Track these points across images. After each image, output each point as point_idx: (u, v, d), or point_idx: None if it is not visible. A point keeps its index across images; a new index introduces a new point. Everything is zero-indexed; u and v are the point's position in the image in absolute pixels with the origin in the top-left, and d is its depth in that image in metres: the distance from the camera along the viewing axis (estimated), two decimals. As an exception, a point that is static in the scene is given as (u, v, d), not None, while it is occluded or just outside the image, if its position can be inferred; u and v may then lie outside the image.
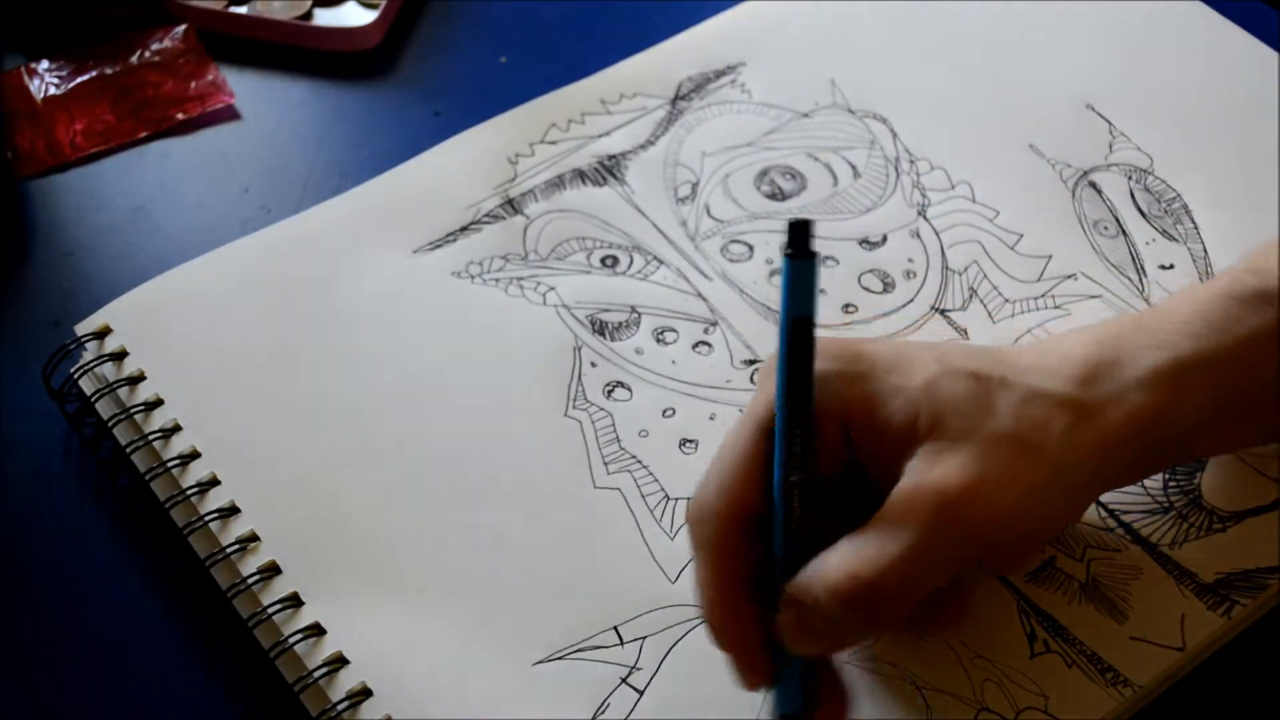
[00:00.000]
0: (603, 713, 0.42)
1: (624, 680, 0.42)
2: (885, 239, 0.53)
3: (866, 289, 0.52)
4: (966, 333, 0.50)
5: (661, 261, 0.52)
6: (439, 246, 0.52)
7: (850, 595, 0.37)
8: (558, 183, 0.54)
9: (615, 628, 0.43)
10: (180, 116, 0.58)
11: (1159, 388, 0.40)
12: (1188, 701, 0.43)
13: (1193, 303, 0.42)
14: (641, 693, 0.42)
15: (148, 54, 0.60)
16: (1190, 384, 0.40)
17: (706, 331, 0.50)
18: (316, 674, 0.42)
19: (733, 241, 0.53)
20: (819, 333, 0.38)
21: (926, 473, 0.38)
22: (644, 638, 0.43)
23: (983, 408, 0.39)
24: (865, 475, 0.40)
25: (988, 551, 0.39)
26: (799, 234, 0.37)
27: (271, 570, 0.44)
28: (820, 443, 0.39)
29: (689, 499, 0.41)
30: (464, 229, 0.53)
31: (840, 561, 0.37)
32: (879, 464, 0.40)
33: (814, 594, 0.37)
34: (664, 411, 0.48)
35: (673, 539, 0.45)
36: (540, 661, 0.43)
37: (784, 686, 0.40)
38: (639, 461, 0.47)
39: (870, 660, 0.42)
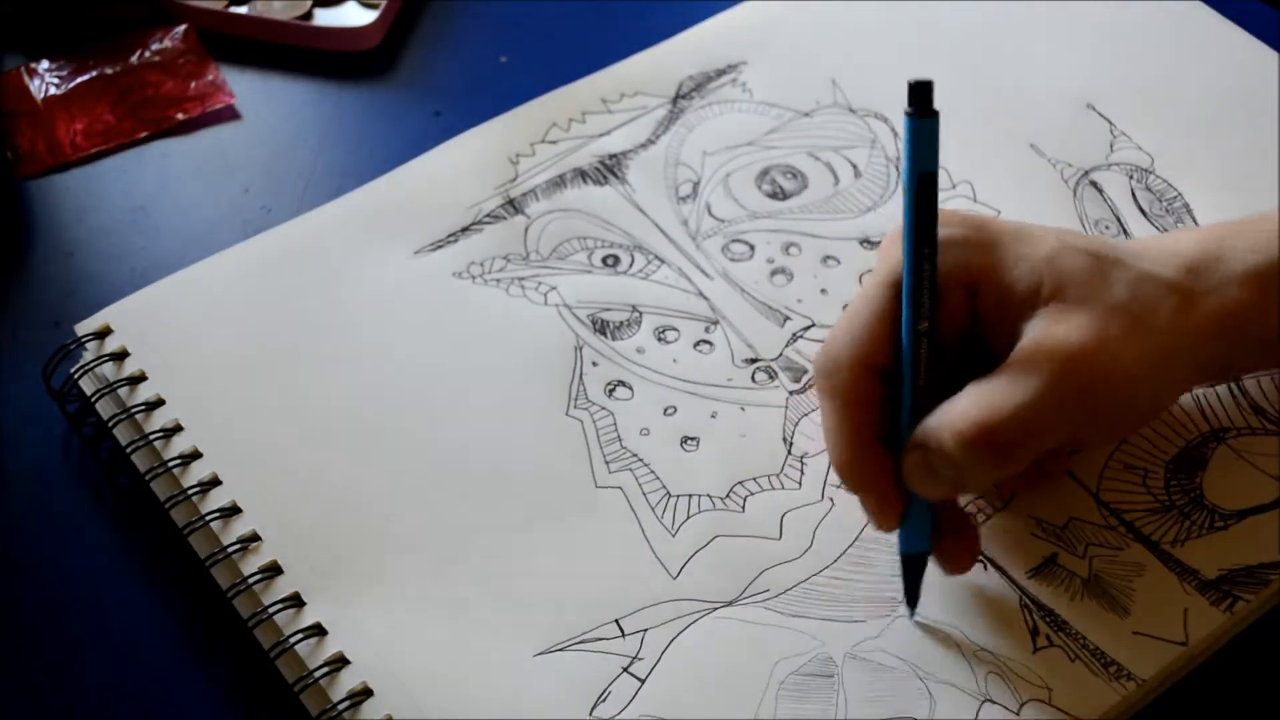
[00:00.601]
0: (604, 700, 0.42)
1: (625, 669, 0.42)
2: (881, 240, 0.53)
3: (867, 288, 0.52)
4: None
5: (663, 261, 0.52)
6: (440, 247, 0.52)
7: (975, 440, 0.39)
8: (559, 182, 0.54)
9: (616, 620, 0.43)
10: (180, 116, 0.58)
11: (1255, 286, 0.42)
12: (1191, 699, 0.43)
13: None
14: (643, 681, 0.42)
15: (148, 54, 0.60)
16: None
17: (708, 330, 0.50)
18: (317, 674, 0.42)
19: (734, 241, 0.53)
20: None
21: (1051, 330, 0.40)
22: (645, 630, 0.43)
23: (1100, 281, 0.41)
24: (985, 340, 0.43)
25: (1101, 411, 0.41)
26: (921, 94, 0.40)
27: (273, 570, 0.44)
28: (944, 304, 0.42)
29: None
30: (465, 229, 0.53)
31: (966, 408, 0.40)
32: (1000, 326, 0.42)
33: (940, 438, 0.40)
34: (665, 410, 0.48)
35: (674, 536, 0.45)
36: (541, 653, 0.42)
37: (910, 527, 0.42)
38: (640, 460, 0.47)
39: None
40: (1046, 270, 0.42)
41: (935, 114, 0.40)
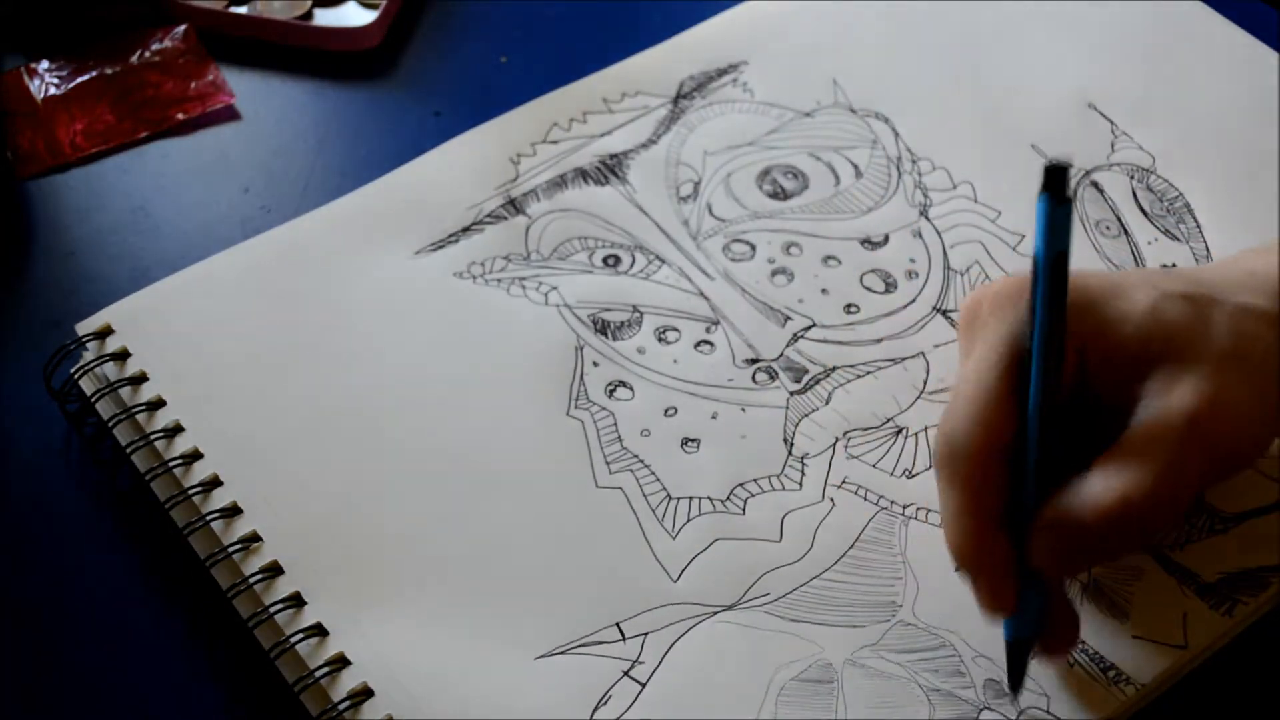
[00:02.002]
0: (604, 704, 0.42)
1: (626, 673, 0.42)
2: (887, 239, 0.53)
3: (869, 289, 0.52)
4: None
5: (663, 261, 0.52)
6: (441, 247, 0.52)
7: (1120, 516, 0.39)
8: (559, 182, 0.54)
9: (617, 624, 0.43)
10: (180, 116, 0.58)
11: None
12: (1191, 700, 0.43)
13: None
14: (643, 685, 0.42)
15: (148, 54, 0.60)
16: None
17: (708, 330, 0.50)
18: (318, 674, 0.42)
19: (735, 241, 0.53)
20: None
21: (1168, 396, 0.40)
22: (646, 634, 0.43)
23: (1203, 326, 0.41)
24: (1094, 398, 0.42)
25: (1227, 462, 0.42)
26: (1057, 178, 0.39)
27: (273, 570, 0.44)
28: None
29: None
30: (466, 229, 0.53)
31: (1107, 486, 0.39)
32: (1110, 386, 0.42)
33: (1080, 517, 0.39)
34: (666, 411, 0.48)
35: (674, 538, 0.45)
36: (542, 656, 0.42)
37: (1022, 612, 0.41)
38: (641, 461, 0.47)
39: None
40: (1152, 325, 0.41)
41: (1070, 200, 0.39)
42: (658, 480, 0.46)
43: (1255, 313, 0.42)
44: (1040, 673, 0.42)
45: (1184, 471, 0.40)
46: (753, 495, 0.46)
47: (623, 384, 0.49)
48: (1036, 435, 0.40)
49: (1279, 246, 0.45)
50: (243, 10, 0.61)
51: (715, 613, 0.44)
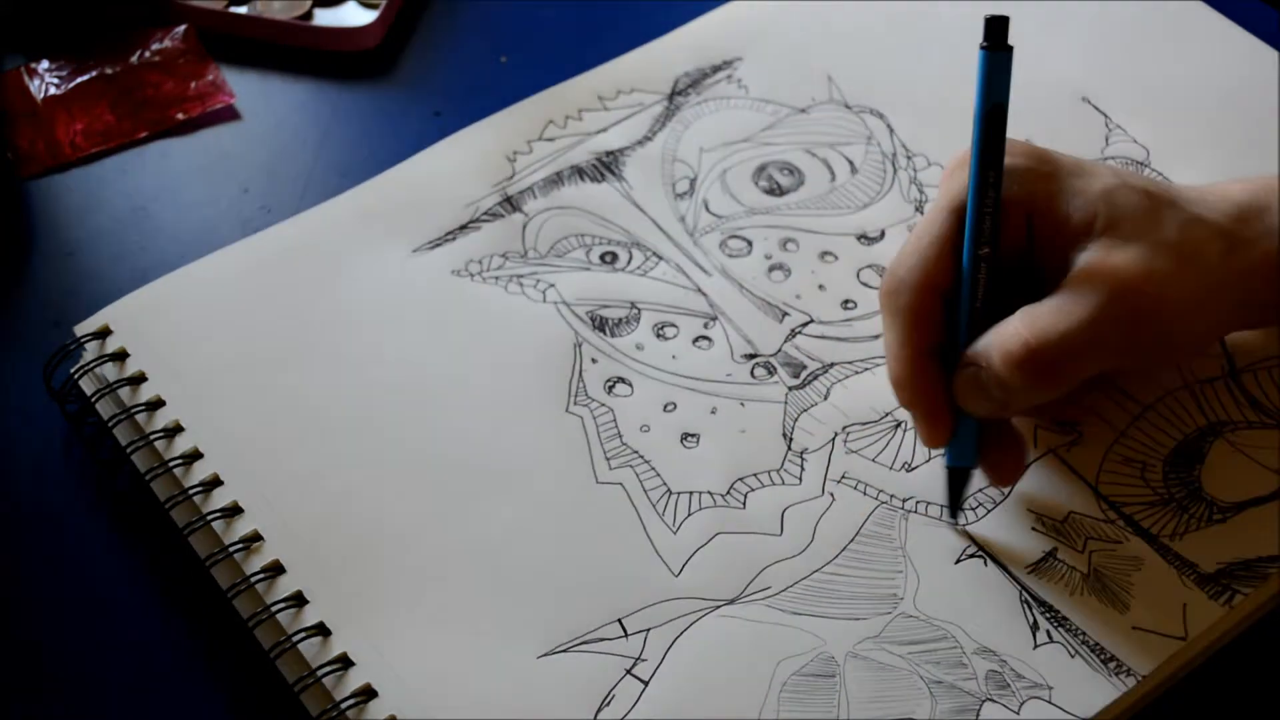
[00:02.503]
0: (608, 704, 0.42)
1: (629, 671, 0.42)
2: (883, 234, 0.53)
3: (865, 284, 0.52)
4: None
5: (660, 257, 0.52)
6: (438, 245, 0.52)
7: (1023, 361, 0.41)
8: (556, 180, 0.54)
9: (619, 620, 0.43)
10: (180, 116, 0.58)
11: None
12: (1191, 699, 0.43)
13: None
14: (646, 683, 0.42)
15: (148, 54, 0.60)
16: None
17: (706, 326, 0.50)
18: (320, 673, 0.42)
19: (731, 237, 0.53)
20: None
21: (1103, 259, 0.42)
22: (648, 630, 0.43)
23: (1153, 219, 0.43)
24: (1039, 267, 0.44)
25: (1146, 339, 0.43)
26: (996, 28, 0.42)
27: (275, 570, 0.44)
28: (1005, 229, 0.44)
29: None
30: (463, 227, 0.53)
31: (1016, 329, 0.42)
32: (1054, 255, 0.44)
33: (989, 358, 0.42)
34: (665, 406, 0.48)
35: (675, 533, 0.45)
36: (545, 655, 0.43)
37: (957, 442, 0.44)
38: (641, 456, 0.47)
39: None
40: (1102, 204, 0.43)
41: (1009, 48, 0.42)
42: (658, 475, 0.47)
43: (1207, 223, 0.43)
44: (1042, 664, 0.42)
45: (1096, 328, 0.41)
46: (753, 490, 0.46)
47: (621, 380, 0.49)
48: (969, 278, 0.43)
49: (1258, 178, 0.46)
50: (243, 10, 0.61)
51: (717, 607, 0.44)
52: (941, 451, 0.45)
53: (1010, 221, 0.44)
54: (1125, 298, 0.41)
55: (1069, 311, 0.41)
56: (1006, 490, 0.46)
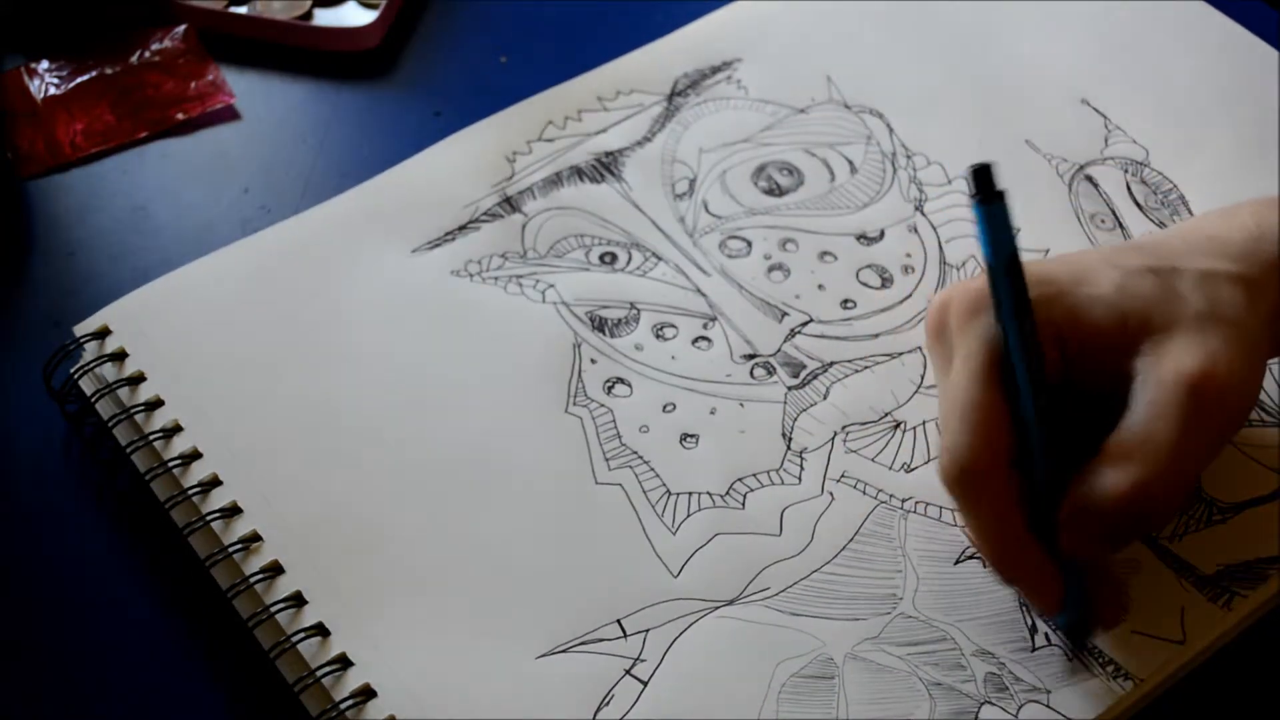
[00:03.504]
0: (607, 704, 0.42)
1: (628, 672, 0.42)
2: (883, 234, 0.53)
3: (865, 284, 0.52)
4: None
5: (660, 258, 0.52)
6: (438, 245, 0.52)
7: (1140, 500, 0.39)
8: (555, 180, 0.54)
9: (618, 621, 0.43)
10: (180, 116, 0.58)
11: None
12: (1191, 699, 0.43)
13: None
14: (646, 683, 0.42)
15: (148, 54, 0.60)
16: None
17: (706, 327, 0.50)
18: (320, 673, 0.42)
19: (731, 237, 0.53)
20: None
21: (1160, 368, 0.40)
22: (647, 630, 0.43)
23: (1174, 297, 0.42)
24: (1079, 385, 0.42)
25: (1234, 423, 0.42)
26: (983, 179, 0.39)
27: (274, 570, 0.44)
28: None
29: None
30: (462, 228, 0.53)
31: (1117, 471, 0.40)
32: (1094, 371, 0.42)
33: (1101, 506, 0.40)
34: (664, 407, 0.48)
35: (674, 534, 0.45)
36: (544, 655, 0.43)
37: (1070, 599, 0.42)
38: (640, 457, 0.47)
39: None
40: (1124, 304, 0.42)
41: (1002, 195, 0.39)
42: (657, 476, 0.47)
43: (1220, 275, 0.42)
44: (1040, 667, 0.42)
45: (1193, 439, 0.40)
46: (752, 490, 0.46)
47: (621, 380, 0.49)
48: (1041, 440, 0.40)
49: (1232, 209, 0.45)
50: (243, 10, 0.61)
51: (716, 608, 0.44)
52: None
53: (1045, 356, 0.42)
54: (1203, 395, 0.40)
55: (1159, 433, 0.39)
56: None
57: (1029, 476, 0.41)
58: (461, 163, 0.55)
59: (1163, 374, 0.40)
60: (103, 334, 0.49)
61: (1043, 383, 0.40)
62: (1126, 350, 0.41)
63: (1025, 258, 0.41)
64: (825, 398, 0.49)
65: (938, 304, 0.44)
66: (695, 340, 0.50)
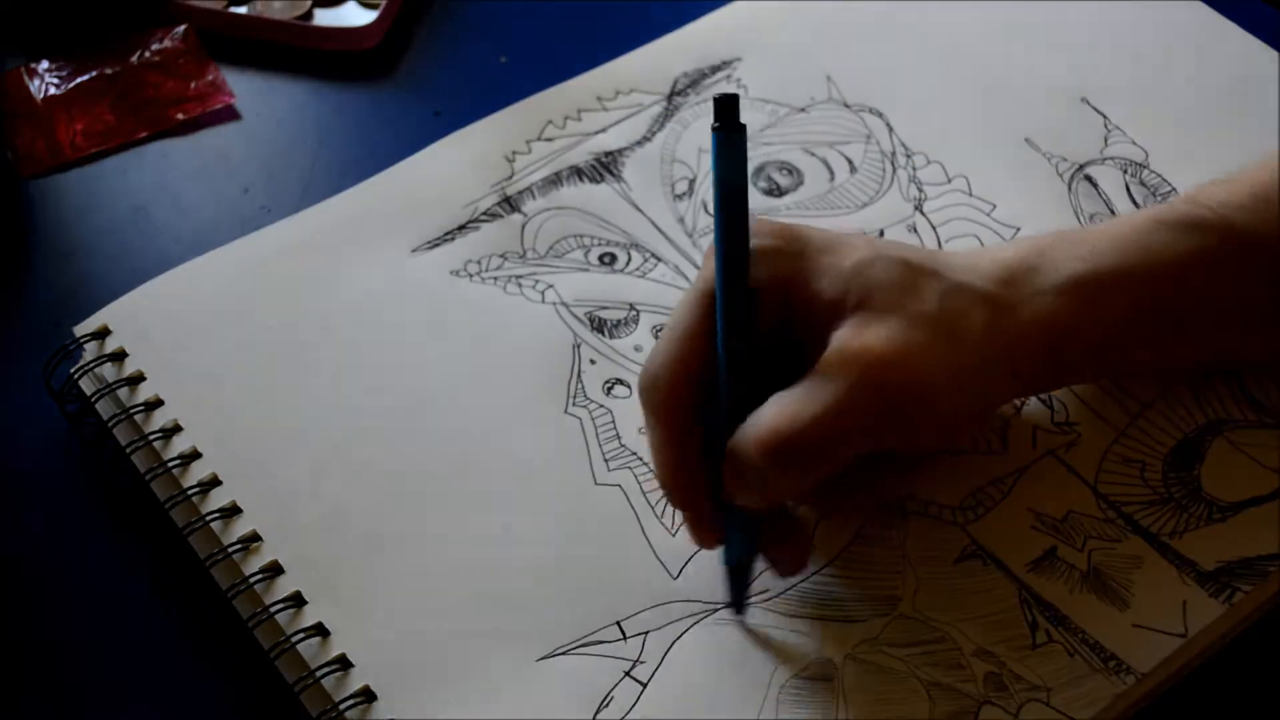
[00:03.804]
0: (606, 705, 0.42)
1: (627, 674, 0.42)
2: (882, 234, 0.53)
3: (865, 284, 0.52)
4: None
5: (659, 258, 0.52)
6: (437, 245, 0.52)
7: (774, 448, 0.39)
8: (555, 180, 0.54)
9: (618, 623, 0.43)
10: (180, 116, 0.58)
11: (1074, 295, 0.42)
12: (1191, 699, 0.43)
13: (1122, 224, 0.45)
14: (645, 685, 0.42)
15: (148, 54, 0.60)
16: (1107, 295, 0.42)
17: (705, 327, 0.50)
18: (319, 674, 0.42)
19: (731, 237, 0.53)
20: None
21: (853, 337, 0.40)
22: (646, 632, 0.43)
23: (909, 291, 0.41)
24: (800, 348, 0.42)
25: (902, 417, 0.41)
26: (727, 108, 0.40)
27: (273, 570, 0.44)
28: (761, 312, 0.42)
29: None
30: (462, 227, 0.53)
31: (765, 417, 0.40)
32: (811, 334, 0.42)
33: (745, 448, 0.40)
34: (663, 407, 0.48)
35: (674, 535, 0.45)
36: (544, 657, 0.43)
37: (732, 538, 0.43)
38: (639, 458, 0.47)
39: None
40: (853, 280, 0.41)
41: (743, 128, 0.40)
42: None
43: (969, 290, 0.42)
44: (1040, 664, 0.42)
45: (846, 410, 0.39)
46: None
47: (620, 381, 0.49)
48: (724, 371, 0.41)
49: (1033, 238, 0.45)
50: (243, 10, 0.61)
51: (715, 610, 0.44)
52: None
53: (766, 304, 0.42)
54: (875, 375, 0.39)
55: (817, 396, 0.40)
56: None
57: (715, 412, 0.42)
58: (461, 162, 0.55)
59: (844, 345, 0.40)
60: (102, 334, 0.49)
61: (741, 320, 0.41)
62: (836, 322, 0.41)
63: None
64: (825, 397, 0.48)
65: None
66: (695, 340, 0.50)
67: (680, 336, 0.42)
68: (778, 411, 0.40)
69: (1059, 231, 0.45)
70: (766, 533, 0.43)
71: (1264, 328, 0.45)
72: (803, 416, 0.39)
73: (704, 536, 0.43)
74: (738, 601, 0.43)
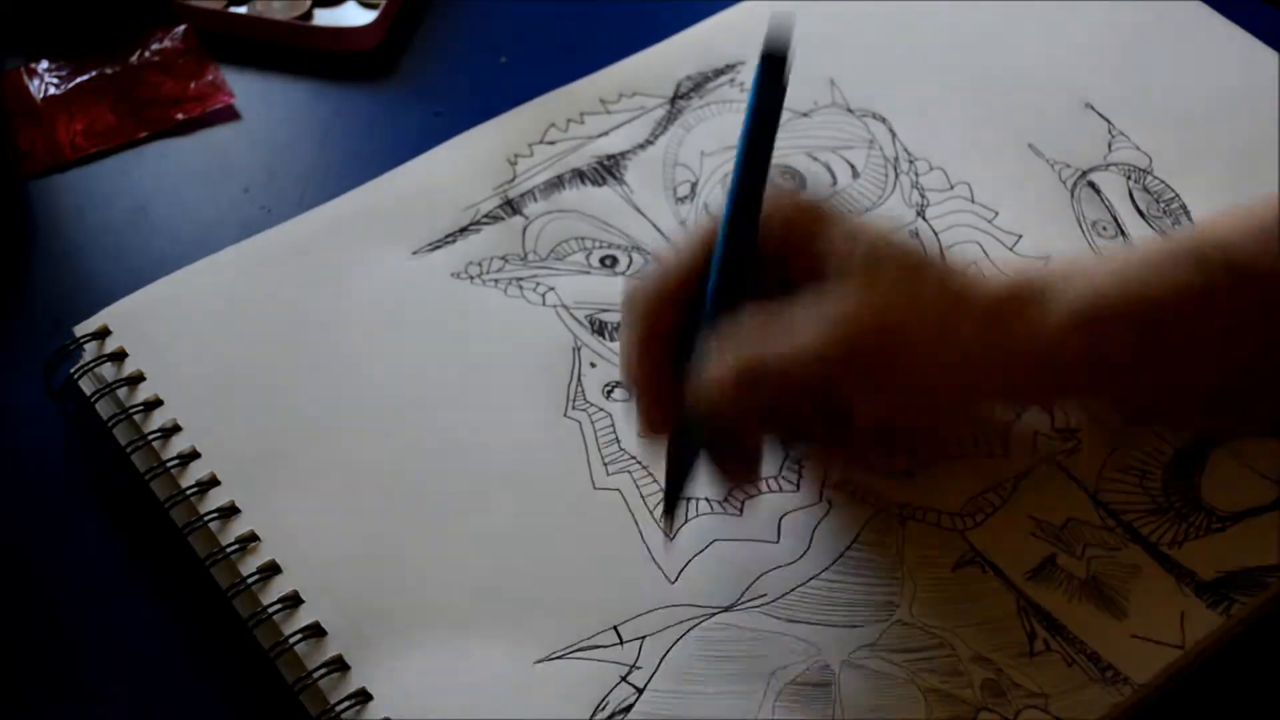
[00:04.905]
0: (602, 710, 0.42)
1: (623, 679, 0.42)
2: (884, 239, 0.53)
3: (866, 289, 0.51)
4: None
5: (661, 261, 0.52)
6: (438, 247, 0.52)
7: (727, 376, 0.40)
8: (557, 183, 0.54)
9: (615, 627, 0.43)
10: (180, 116, 0.58)
11: (1075, 320, 0.42)
12: (1190, 700, 0.43)
13: (1129, 253, 0.45)
14: (641, 690, 0.42)
15: (148, 54, 0.60)
16: (1109, 323, 0.42)
17: (705, 331, 0.50)
18: (316, 674, 0.42)
19: (732, 241, 0.53)
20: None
21: (835, 286, 0.40)
22: (643, 637, 0.43)
23: (914, 272, 0.42)
24: (793, 286, 0.42)
25: (859, 385, 0.41)
26: (777, 67, 0.42)
27: (271, 570, 0.44)
28: (765, 272, 0.42)
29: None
30: (463, 230, 0.53)
31: (732, 336, 0.41)
32: (803, 281, 0.41)
33: (711, 350, 0.41)
34: (663, 411, 0.48)
35: (672, 539, 0.45)
36: (541, 661, 0.43)
37: (681, 441, 0.42)
38: (639, 462, 0.47)
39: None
40: (862, 246, 0.41)
41: (783, 88, 0.41)
42: (656, 481, 0.46)
43: (970, 301, 0.42)
44: (1038, 672, 0.42)
45: (805, 360, 0.40)
46: (750, 496, 0.46)
47: (620, 385, 0.49)
48: (716, 282, 0.41)
49: (1030, 264, 0.46)
50: (243, 10, 0.61)
51: (713, 614, 0.44)
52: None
53: (770, 264, 0.42)
54: (845, 322, 0.40)
55: (789, 323, 0.40)
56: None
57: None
58: (463, 164, 0.55)
59: (824, 290, 0.40)
60: (102, 334, 0.49)
61: (743, 239, 0.41)
62: (840, 269, 0.41)
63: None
64: (825, 403, 0.48)
65: None
66: (695, 344, 0.50)
67: (678, 261, 0.42)
68: (754, 328, 0.40)
69: (1066, 258, 0.45)
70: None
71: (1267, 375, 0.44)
72: (753, 349, 0.40)
73: (654, 424, 0.42)
74: (670, 506, 0.43)
